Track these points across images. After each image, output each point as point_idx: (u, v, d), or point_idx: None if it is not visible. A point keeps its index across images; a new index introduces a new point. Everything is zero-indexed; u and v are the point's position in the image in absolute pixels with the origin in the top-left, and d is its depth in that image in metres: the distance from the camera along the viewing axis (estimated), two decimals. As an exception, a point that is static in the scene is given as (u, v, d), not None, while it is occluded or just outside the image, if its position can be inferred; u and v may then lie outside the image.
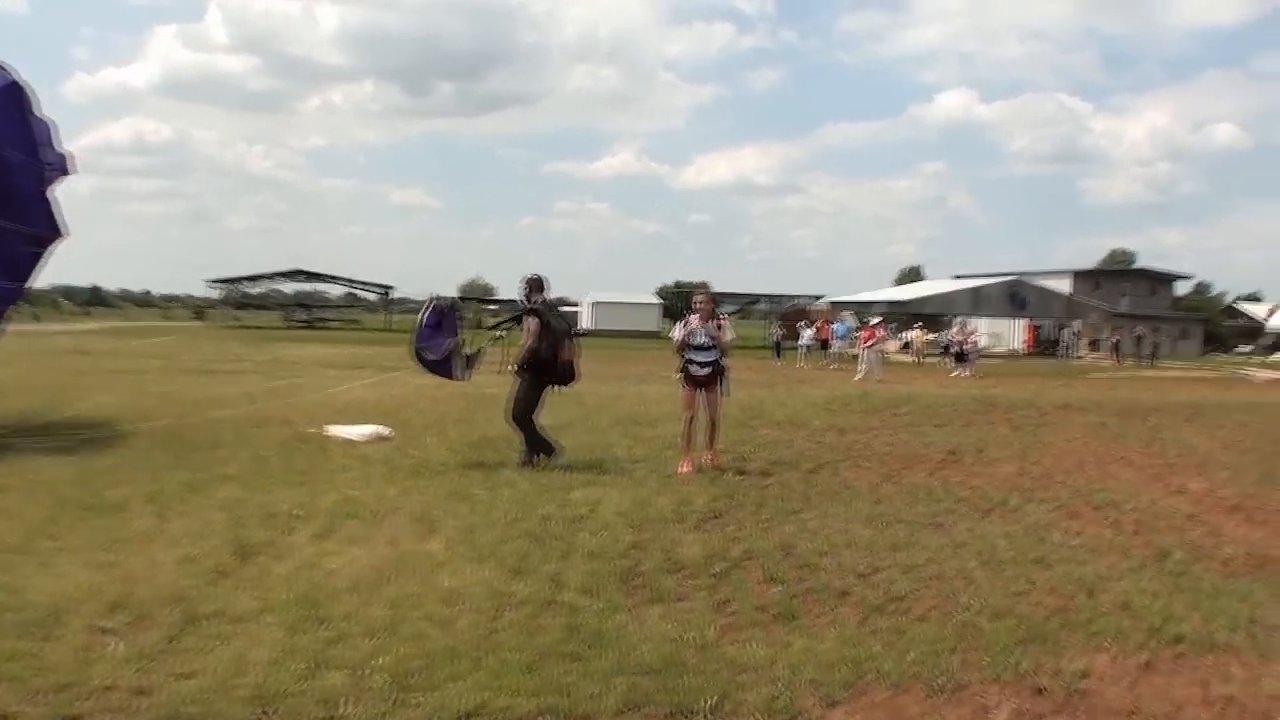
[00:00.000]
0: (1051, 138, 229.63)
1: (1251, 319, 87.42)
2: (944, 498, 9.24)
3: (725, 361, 10.64)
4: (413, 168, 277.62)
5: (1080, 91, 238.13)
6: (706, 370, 10.44)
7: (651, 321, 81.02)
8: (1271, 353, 71.84)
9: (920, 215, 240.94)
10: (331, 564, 6.38)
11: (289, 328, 76.18)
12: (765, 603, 5.83)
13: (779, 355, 42.10)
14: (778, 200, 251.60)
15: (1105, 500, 9.26)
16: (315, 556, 6.56)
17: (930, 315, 60.69)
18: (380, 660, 4.71)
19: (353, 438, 11.95)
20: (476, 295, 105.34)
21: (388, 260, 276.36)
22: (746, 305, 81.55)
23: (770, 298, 78.64)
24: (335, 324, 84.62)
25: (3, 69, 11.22)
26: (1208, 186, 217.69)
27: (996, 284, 66.07)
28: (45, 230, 12.07)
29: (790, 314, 67.63)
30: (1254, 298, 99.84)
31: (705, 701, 4.34)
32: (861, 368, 30.97)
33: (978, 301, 63.05)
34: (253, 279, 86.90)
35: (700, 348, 10.41)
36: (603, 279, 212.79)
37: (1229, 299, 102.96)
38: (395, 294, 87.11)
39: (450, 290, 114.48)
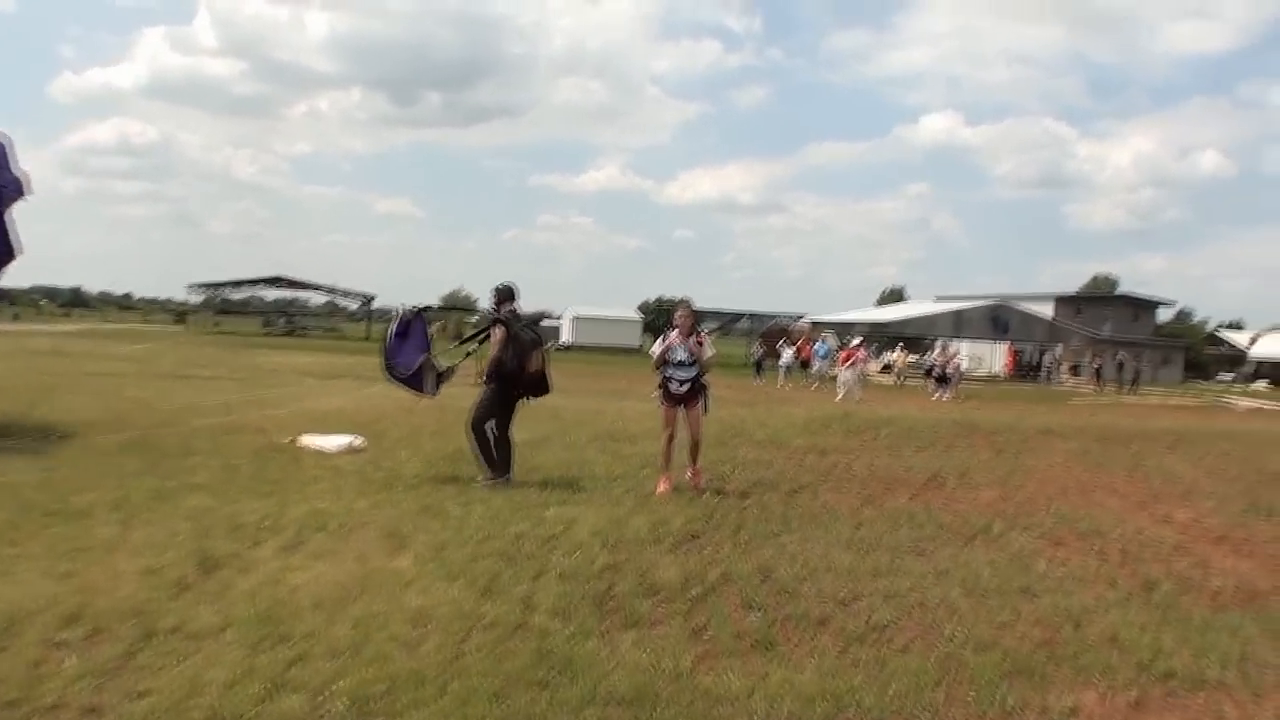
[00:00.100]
0: (1036, 162, 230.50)
1: (1234, 347, 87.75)
2: (926, 523, 9.07)
3: (706, 379, 10.46)
4: (398, 177, 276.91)
5: (1066, 116, 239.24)
6: (686, 387, 10.25)
7: (633, 337, 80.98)
8: (1253, 381, 72.12)
9: (903, 237, 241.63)
10: (296, 579, 6.20)
11: (269, 335, 76.17)
12: (743, 630, 5.65)
13: (760, 374, 42.03)
14: (761, 218, 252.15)
15: (1090, 528, 9.11)
16: (280, 571, 6.38)
17: (912, 337, 60.66)
18: (341, 683, 4.54)
19: (326, 448, 11.76)
20: (459, 306, 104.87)
21: (370, 269, 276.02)
22: (728, 323, 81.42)
23: (752, 316, 78.54)
24: (315, 332, 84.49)
25: None
26: (1191, 213, 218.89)
27: (978, 307, 66.11)
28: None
29: (772, 333, 67.53)
30: (1236, 326, 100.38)
31: (678, 735, 4.18)
32: (841, 388, 30.93)
33: (959, 324, 63.04)
34: (234, 285, 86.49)
35: (680, 364, 10.22)
36: (585, 294, 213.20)
37: (1211, 326, 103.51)
38: (376, 303, 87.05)
39: (433, 301, 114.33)
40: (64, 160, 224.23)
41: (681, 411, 10.33)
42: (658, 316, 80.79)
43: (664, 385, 10.34)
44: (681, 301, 10.81)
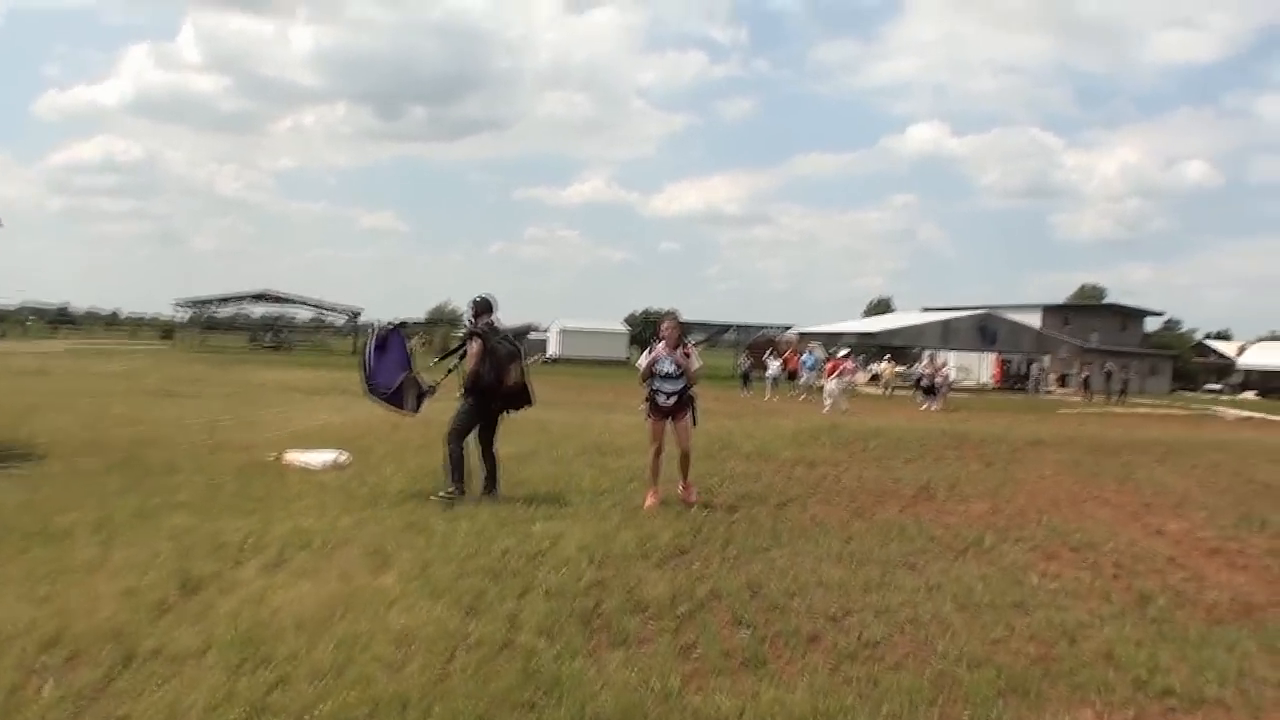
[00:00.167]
0: (1023, 172, 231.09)
1: (1222, 356, 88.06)
2: (916, 536, 8.98)
3: (693, 391, 10.36)
4: (383, 191, 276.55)
5: (1053, 126, 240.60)
6: (673, 400, 10.14)
7: (620, 349, 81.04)
8: (1240, 391, 72.36)
9: (890, 247, 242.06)
10: (279, 599, 6.07)
11: (256, 350, 76.09)
12: (732, 648, 5.55)
13: (747, 386, 42.00)
14: (747, 230, 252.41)
15: (1082, 541, 9.02)
16: (263, 591, 6.26)
17: (899, 347, 60.73)
18: (323, 707, 4.45)
19: (311, 465, 11.67)
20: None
21: (357, 284, 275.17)
22: (715, 335, 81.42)
23: (739, 327, 78.53)
24: (302, 347, 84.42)
25: None
26: (1178, 223, 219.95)
27: (966, 317, 66.21)
28: None
29: (758, 344, 67.56)
30: (1223, 335, 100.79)
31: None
32: (827, 400, 30.95)
33: (947, 334, 63.10)
34: (221, 301, 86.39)
35: (667, 376, 10.11)
36: (571, 306, 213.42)
37: (1198, 336, 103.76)
38: (363, 318, 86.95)
39: (419, 315, 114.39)
40: (49, 179, 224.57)
41: (669, 425, 10.23)
42: (644, 329, 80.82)
43: (651, 398, 10.24)
44: (668, 313, 10.72)
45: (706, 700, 4.74)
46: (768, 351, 49.32)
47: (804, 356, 42.32)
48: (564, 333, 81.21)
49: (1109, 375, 52.23)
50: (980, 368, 66.25)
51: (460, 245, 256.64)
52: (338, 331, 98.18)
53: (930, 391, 36.08)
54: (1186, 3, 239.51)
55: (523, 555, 7.40)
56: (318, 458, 11.95)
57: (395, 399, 10.45)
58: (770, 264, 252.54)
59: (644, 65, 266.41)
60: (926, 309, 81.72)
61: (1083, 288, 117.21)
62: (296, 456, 12.07)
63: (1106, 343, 71.52)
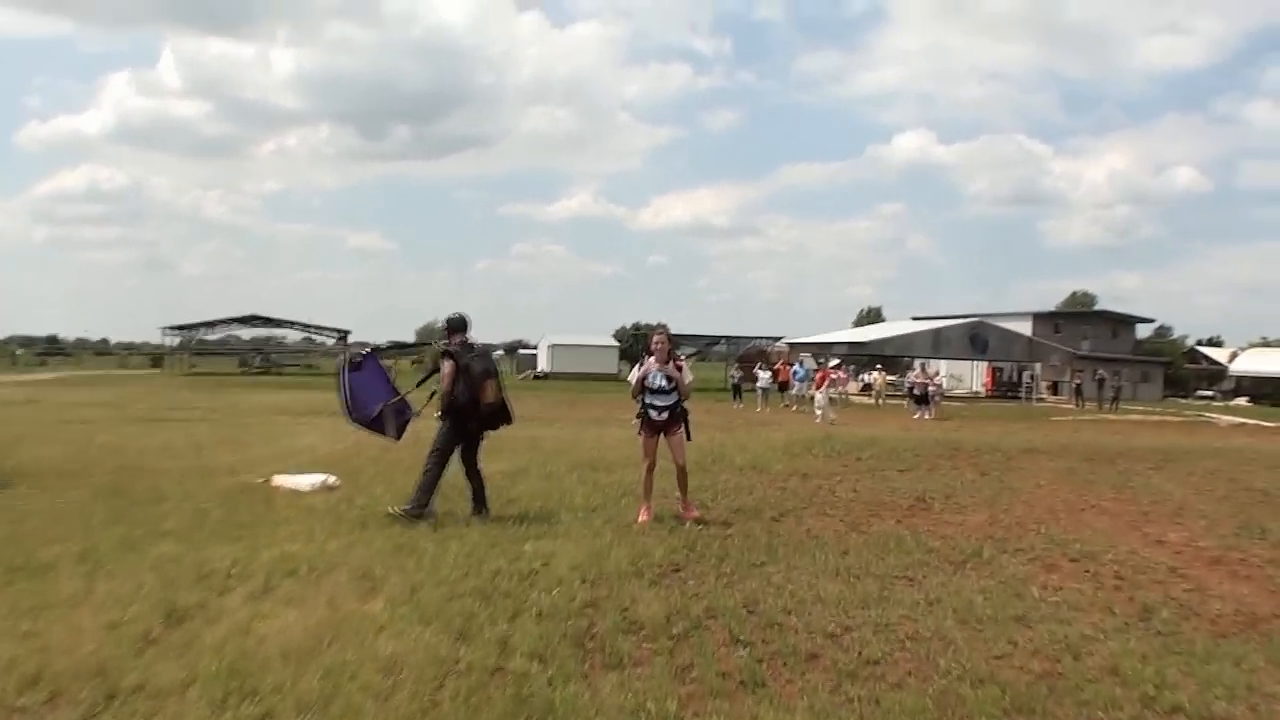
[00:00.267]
0: (1011, 179, 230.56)
1: (1213, 363, 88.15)
2: (914, 549, 8.84)
3: (686, 404, 10.22)
4: (369, 211, 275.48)
5: (1040, 133, 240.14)
6: (665, 415, 10.01)
7: (609, 364, 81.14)
8: (1232, 398, 72.42)
9: (879, 256, 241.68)
10: (265, 628, 5.93)
11: (245, 374, 76.06)
12: (729, 669, 5.40)
13: (738, 398, 41.85)
14: (735, 241, 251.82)
15: (1082, 551, 8.89)
16: (248, 620, 6.11)
17: (890, 357, 60.66)
18: (309, 740, 4.28)
19: (299, 488, 11.55)
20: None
21: (345, 304, 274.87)
22: (705, 347, 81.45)
23: (729, 339, 78.52)
24: (292, 369, 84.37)
25: None
26: (1167, 230, 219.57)
27: (957, 325, 66.07)
28: None
29: (749, 355, 67.51)
30: (1215, 342, 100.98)
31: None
32: (818, 411, 30.96)
33: (938, 343, 62.95)
34: (209, 325, 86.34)
35: (659, 391, 9.99)
36: (560, 321, 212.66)
37: (1189, 343, 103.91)
38: (352, 338, 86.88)
39: (408, 334, 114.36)
40: (34, 209, 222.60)
41: (662, 440, 10.10)
42: (634, 343, 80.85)
43: (643, 414, 10.10)
44: (658, 327, 10.58)
45: (704, 724, 4.59)
46: (758, 363, 49.11)
47: (795, 367, 42.19)
48: (554, 348, 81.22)
49: (1101, 382, 52.18)
50: (972, 376, 66.25)
51: (448, 263, 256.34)
52: (327, 353, 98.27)
53: (923, 400, 36.00)
54: (1173, 8, 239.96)
55: (514, 576, 7.28)
56: (306, 480, 11.83)
57: (376, 425, 10.33)
58: (760, 275, 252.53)
59: (628, 78, 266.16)
60: (917, 318, 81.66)
61: (1073, 295, 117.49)
62: (285, 480, 11.96)
63: (1098, 350, 71.48)
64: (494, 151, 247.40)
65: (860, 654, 5.67)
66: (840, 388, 32.20)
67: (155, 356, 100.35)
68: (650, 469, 10.08)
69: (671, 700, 4.86)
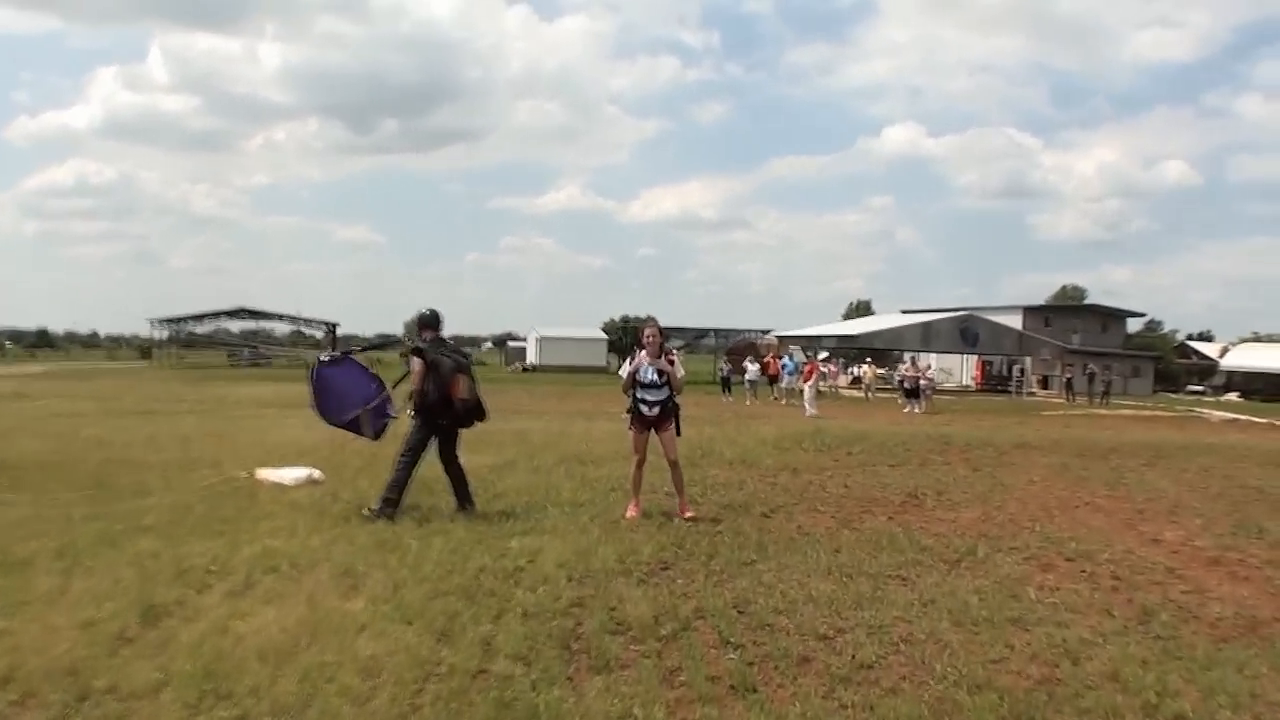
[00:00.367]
0: (1000, 172, 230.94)
1: (1204, 357, 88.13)
2: (907, 547, 8.69)
3: (677, 399, 10.06)
4: (358, 204, 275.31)
5: (1030, 126, 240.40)
6: (656, 410, 9.85)
7: (598, 356, 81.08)
8: (1223, 393, 72.45)
9: (868, 249, 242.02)
10: (243, 627, 5.77)
11: (234, 366, 75.94)
12: (719, 672, 5.24)
13: (728, 391, 41.69)
14: (724, 234, 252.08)
15: (1078, 550, 8.74)
16: (226, 618, 5.96)
17: (880, 350, 60.57)
18: (283, 746, 4.12)
19: (283, 481, 11.39)
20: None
21: (334, 297, 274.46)
22: (694, 339, 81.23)
23: (718, 332, 78.35)
24: (280, 362, 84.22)
25: None
26: (1157, 224, 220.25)
27: (947, 319, 65.91)
28: None
29: (738, 349, 67.35)
30: (1205, 336, 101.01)
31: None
32: (807, 405, 30.96)
33: (928, 336, 62.82)
34: (198, 318, 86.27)
35: (650, 385, 9.82)
36: (549, 314, 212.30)
37: (1180, 337, 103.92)
38: (340, 331, 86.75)
39: (396, 326, 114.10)
40: (23, 203, 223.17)
41: (652, 435, 9.93)
42: (623, 335, 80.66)
43: (634, 409, 9.93)
44: (648, 320, 10.40)
45: (693, 732, 4.44)
46: (747, 356, 48.97)
47: (784, 360, 42.11)
48: (542, 340, 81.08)
49: (1091, 377, 52.19)
50: (962, 370, 66.20)
51: (437, 256, 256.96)
52: (316, 345, 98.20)
53: (913, 394, 35.92)
54: (1163, 1, 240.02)
55: (499, 573, 7.13)
56: (291, 474, 11.67)
57: (352, 427, 10.16)
58: (749, 268, 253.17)
59: (616, 71, 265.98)
60: (906, 311, 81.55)
61: (1063, 289, 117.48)
62: (269, 474, 11.80)
63: (1088, 344, 71.45)
64: (482, 145, 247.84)
65: (854, 657, 5.51)
66: (831, 381, 32.14)
67: (144, 349, 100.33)
68: (640, 464, 9.92)
69: (659, 706, 4.71)
